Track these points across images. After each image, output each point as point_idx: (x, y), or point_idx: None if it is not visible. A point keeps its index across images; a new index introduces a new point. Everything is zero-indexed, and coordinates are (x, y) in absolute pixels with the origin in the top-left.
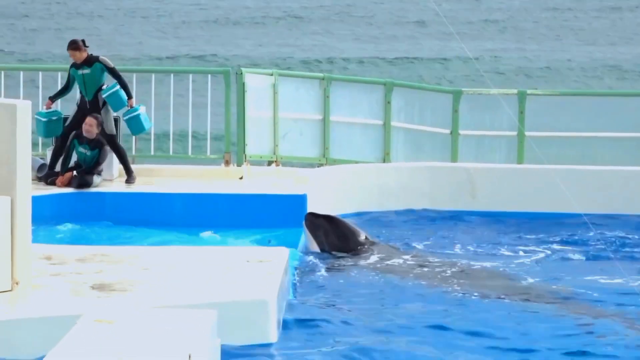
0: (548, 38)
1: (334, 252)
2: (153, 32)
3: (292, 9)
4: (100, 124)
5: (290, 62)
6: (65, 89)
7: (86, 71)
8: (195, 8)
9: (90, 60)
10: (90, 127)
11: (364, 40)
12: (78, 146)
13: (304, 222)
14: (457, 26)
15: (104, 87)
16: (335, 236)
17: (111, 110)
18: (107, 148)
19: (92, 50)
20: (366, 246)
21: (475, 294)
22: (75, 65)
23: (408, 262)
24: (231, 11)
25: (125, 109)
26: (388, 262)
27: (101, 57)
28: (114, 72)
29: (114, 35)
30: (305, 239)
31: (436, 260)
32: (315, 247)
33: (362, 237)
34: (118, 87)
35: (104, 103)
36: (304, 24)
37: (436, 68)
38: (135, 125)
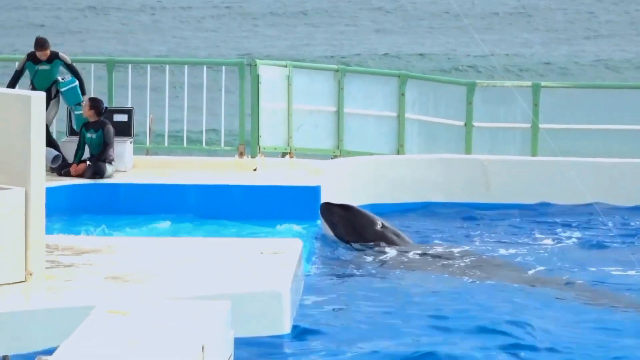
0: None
1: (351, 241)
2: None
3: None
4: (92, 106)
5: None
6: (19, 77)
7: (44, 67)
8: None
9: (51, 57)
10: (84, 107)
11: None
12: (86, 133)
13: (320, 212)
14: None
15: (61, 80)
16: (351, 225)
17: (60, 103)
18: (110, 127)
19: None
20: (383, 235)
21: (492, 283)
22: (34, 60)
23: (425, 253)
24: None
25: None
26: (405, 254)
27: (61, 54)
28: (71, 68)
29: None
30: (322, 228)
31: (452, 251)
32: (332, 236)
33: (379, 225)
34: (76, 82)
35: (56, 94)
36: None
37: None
38: (73, 95)
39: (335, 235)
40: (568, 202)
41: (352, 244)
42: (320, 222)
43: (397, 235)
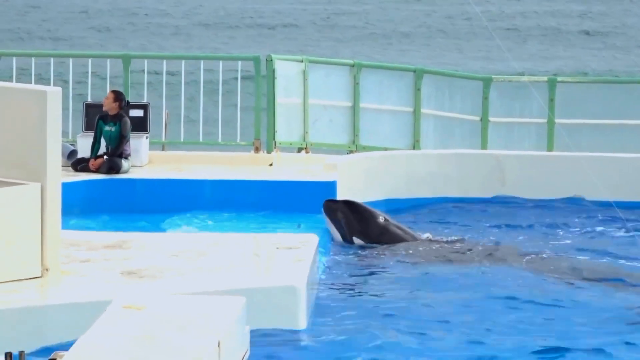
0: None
1: (354, 237)
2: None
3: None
4: (117, 98)
5: None
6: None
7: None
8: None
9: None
10: (106, 99)
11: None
12: (104, 126)
13: (323, 210)
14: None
15: None
16: (355, 220)
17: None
18: (128, 120)
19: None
20: (386, 229)
21: (511, 276)
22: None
23: (435, 247)
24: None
25: None
26: (413, 249)
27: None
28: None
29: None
30: (326, 226)
31: (462, 244)
32: (336, 234)
33: (382, 219)
34: None
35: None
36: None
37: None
38: None
39: (338, 233)
40: (584, 198)
41: (355, 241)
42: (324, 219)
43: (401, 229)
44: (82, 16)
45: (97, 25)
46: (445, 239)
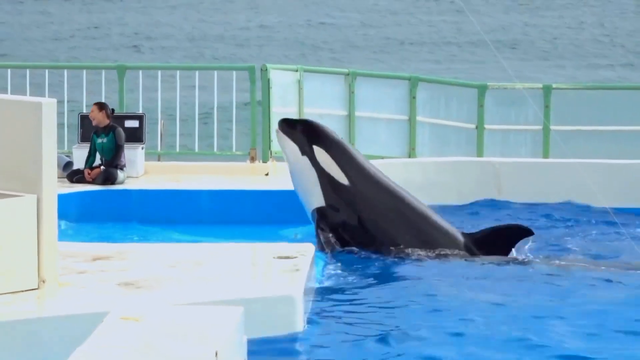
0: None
1: (314, 147)
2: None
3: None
4: (101, 108)
5: None
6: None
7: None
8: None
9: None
10: (92, 113)
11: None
12: (97, 139)
13: (277, 130)
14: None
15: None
16: (313, 136)
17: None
18: (121, 130)
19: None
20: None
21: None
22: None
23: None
24: None
25: None
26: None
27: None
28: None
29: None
30: (281, 147)
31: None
32: (292, 149)
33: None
34: None
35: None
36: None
37: None
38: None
39: (296, 147)
40: (580, 204)
41: (316, 153)
42: (280, 141)
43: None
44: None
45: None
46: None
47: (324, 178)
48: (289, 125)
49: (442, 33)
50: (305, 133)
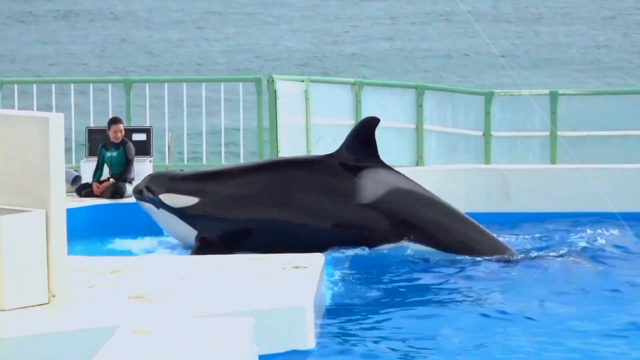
0: None
1: (164, 195)
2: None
3: None
4: (123, 127)
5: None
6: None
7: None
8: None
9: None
10: (117, 132)
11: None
12: (105, 152)
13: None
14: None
15: None
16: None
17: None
18: (131, 144)
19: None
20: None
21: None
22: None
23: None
24: None
25: None
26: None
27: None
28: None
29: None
30: (149, 211)
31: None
32: (153, 210)
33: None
34: None
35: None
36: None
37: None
38: None
39: (152, 206)
40: (589, 210)
41: (166, 199)
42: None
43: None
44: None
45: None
46: None
47: (181, 213)
48: (136, 192)
49: (450, 45)
50: (148, 190)
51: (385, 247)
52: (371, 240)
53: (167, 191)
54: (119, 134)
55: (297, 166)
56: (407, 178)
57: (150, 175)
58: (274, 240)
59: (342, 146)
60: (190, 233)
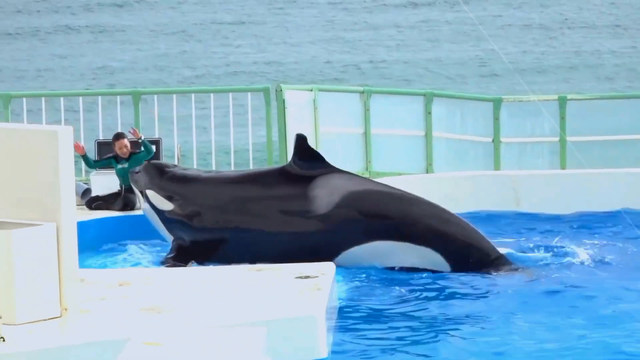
0: None
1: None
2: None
3: None
4: (128, 140)
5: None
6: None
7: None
8: None
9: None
10: (125, 148)
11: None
12: (117, 164)
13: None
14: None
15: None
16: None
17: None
18: (140, 154)
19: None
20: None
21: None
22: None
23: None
24: None
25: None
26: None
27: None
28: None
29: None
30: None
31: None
32: (140, 201)
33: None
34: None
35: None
36: None
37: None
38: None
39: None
40: (600, 215)
41: (150, 196)
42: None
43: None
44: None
45: None
46: None
47: (161, 215)
48: (132, 176)
49: (459, 55)
50: (141, 179)
51: (356, 249)
52: (339, 244)
53: (152, 188)
54: (125, 149)
55: (257, 178)
56: (364, 178)
57: (146, 163)
58: (243, 252)
59: (291, 161)
60: (167, 236)
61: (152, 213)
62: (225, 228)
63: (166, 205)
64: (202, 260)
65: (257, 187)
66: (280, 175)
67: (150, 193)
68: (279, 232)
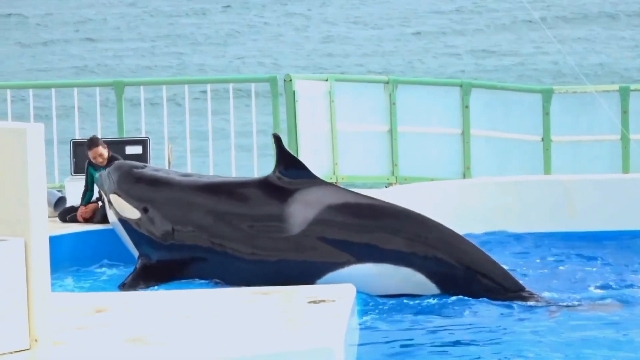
0: None
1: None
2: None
3: None
4: (102, 143)
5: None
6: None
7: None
8: None
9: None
10: (100, 156)
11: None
12: (94, 172)
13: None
14: None
15: None
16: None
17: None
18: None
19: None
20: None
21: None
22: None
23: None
24: None
25: None
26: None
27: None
28: None
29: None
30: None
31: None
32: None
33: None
34: None
35: None
36: None
37: None
38: None
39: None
40: None
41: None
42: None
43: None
44: None
45: None
46: None
47: (126, 225)
48: (99, 179)
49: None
50: (106, 181)
51: (345, 271)
52: (325, 267)
53: (117, 192)
54: (100, 159)
55: (236, 188)
56: (349, 191)
57: (115, 163)
58: (214, 271)
59: (275, 169)
60: (134, 252)
61: (117, 222)
62: (197, 245)
63: (131, 213)
64: (166, 282)
65: (235, 200)
66: (262, 188)
67: (114, 198)
68: (252, 254)
